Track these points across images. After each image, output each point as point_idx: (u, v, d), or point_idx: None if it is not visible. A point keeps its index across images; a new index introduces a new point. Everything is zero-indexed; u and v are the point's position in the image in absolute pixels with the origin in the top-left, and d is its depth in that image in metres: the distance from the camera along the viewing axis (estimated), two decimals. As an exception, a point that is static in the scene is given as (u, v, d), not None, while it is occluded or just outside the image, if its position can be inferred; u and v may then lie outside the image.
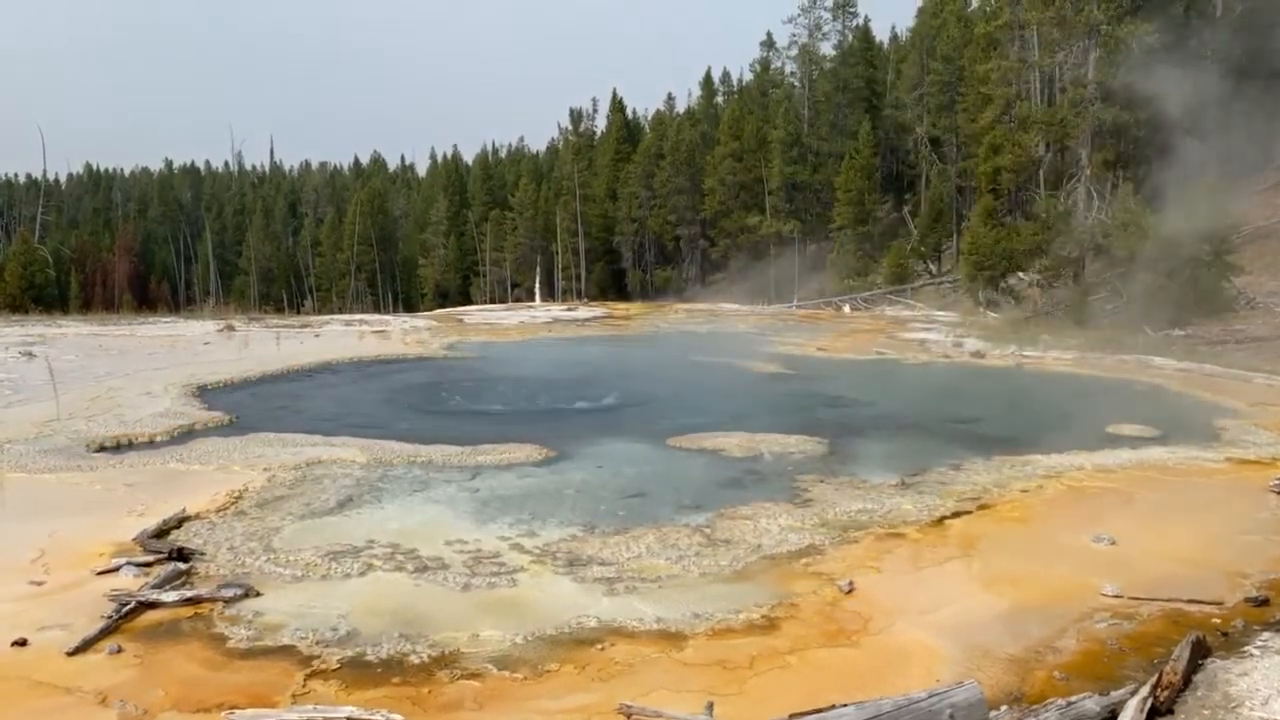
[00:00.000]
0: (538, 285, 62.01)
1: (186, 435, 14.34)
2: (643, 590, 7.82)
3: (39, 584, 7.85)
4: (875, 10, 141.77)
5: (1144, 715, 5.47)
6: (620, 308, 47.40)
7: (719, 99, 71.30)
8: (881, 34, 69.03)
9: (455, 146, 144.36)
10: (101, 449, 13.30)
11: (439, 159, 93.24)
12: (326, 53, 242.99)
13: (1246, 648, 6.59)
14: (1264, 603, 7.52)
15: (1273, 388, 18.84)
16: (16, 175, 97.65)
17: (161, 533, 9.13)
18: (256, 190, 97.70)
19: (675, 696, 5.94)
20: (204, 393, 18.35)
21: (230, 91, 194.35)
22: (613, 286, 67.68)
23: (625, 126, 71.71)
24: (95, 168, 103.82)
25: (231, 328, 32.04)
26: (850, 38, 62.24)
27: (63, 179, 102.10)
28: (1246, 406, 16.61)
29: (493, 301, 63.13)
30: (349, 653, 6.62)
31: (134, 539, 8.86)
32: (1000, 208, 41.17)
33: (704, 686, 6.10)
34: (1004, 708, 5.68)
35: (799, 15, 60.77)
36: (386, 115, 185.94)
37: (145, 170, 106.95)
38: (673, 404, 18.06)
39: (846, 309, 44.80)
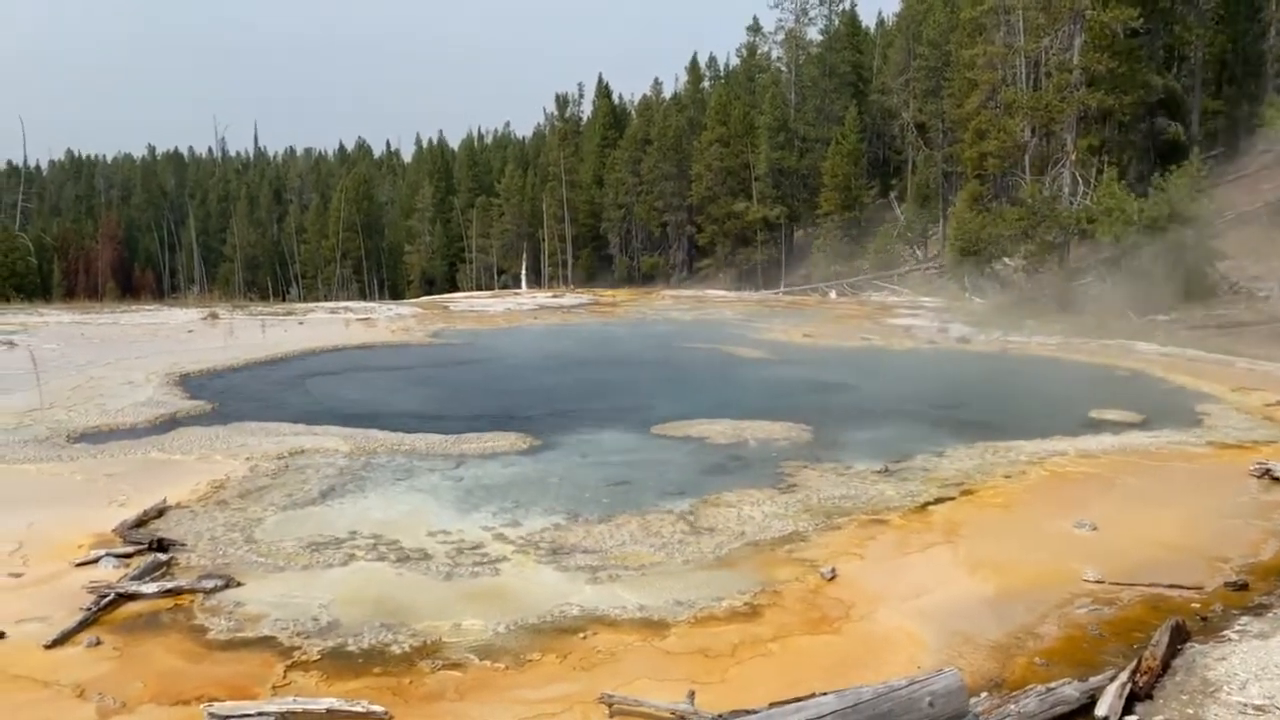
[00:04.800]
0: (524, 272, 61.84)
1: (168, 424, 14.24)
2: (625, 578, 7.81)
3: (17, 576, 7.78)
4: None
5: (1123, 700, 5.50)
6: (607, 295, 47.26)
7: (705, 84, 70.95)
8: (868, 19, 69.13)
9: (441, 132, 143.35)
10: (82, 439, 13.19)
11: (424, 145, 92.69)
12: (311, 39, 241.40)
13: (1225, 632, 6.63)
14: (1243, 587, 7.56)
15: (1255, 372, 18.94)
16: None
17: (142, 523, 9.06)
18: (241, 177, 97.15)
19: (657, 685, 5.93)
20: (186, 381, 18.23)
21: (214, 78, 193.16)
22: (600, 273, 67.53)
23: (611, 112, 71.34)
24: (77, 154, 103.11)
25: (215, 316, 31.82)
26: (836, 22, 62.08)
27: (44, 166, 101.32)
28: (1229, 391, 16.69)
29: (479, 289, 62.92)
30: (330, 643, 6.58)
31: (114, 530, 8.80)
32: (986, 193, 41.23)
33: (686, 675, 6.09)
34: (984, 694, 5.70)
35: (785, 0, 60.68)
36: (371, 101, 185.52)
37: (128, 157, 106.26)
38: (658, 391, 18.04)
39: (832, 295, 44.82)
